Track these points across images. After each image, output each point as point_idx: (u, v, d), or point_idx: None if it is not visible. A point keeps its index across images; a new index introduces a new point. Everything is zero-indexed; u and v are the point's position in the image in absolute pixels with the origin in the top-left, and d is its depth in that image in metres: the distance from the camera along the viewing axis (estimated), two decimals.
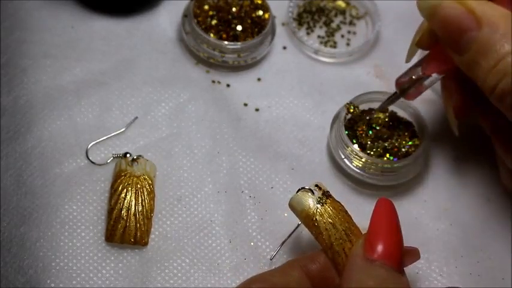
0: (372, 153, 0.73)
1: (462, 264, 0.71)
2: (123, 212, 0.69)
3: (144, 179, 0.71)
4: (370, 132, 0.74)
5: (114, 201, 0.70)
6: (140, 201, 0.70)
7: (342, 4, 0.85)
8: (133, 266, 0.68)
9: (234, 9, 0.80)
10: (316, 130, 0.77)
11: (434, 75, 0.69)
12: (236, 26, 0.79)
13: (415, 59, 0.71)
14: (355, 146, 0.73)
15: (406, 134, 0.75)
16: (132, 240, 0.69)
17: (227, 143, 0.76)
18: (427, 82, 0.69)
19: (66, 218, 0.70)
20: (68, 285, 0.66)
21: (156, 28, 0.82)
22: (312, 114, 0.78)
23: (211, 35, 0.79)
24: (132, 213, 0.69)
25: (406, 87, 0.70)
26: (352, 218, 0.64)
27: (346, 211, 0.64)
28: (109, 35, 0.81)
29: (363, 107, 0.76)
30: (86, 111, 0.76)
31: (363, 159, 0.72)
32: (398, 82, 0.71)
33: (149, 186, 0.71)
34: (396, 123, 0.75)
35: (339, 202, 0.64)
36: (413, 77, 0.69)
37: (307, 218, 0.63)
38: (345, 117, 0.74)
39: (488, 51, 0.60)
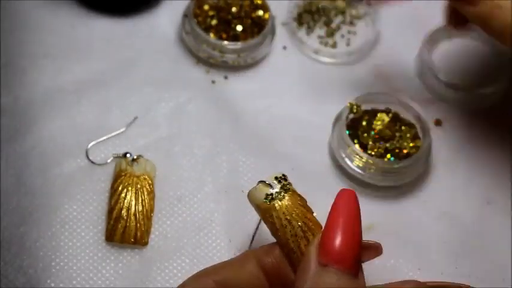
0: (373, 153, 0.73)
1: (462, 266, 0.71)
2: (123, 211, 0.69)
3: (144, 178, 0.71)
4: (372, 132, 0.74)
5: (114, 201, 0.70)
6: (140, 201, 0.70)
7: (341, 4, 0.85)
8: (133, 266, 0.68)
9: (234, 9, 0.80)
10: (316, 130, 0.77)
11: None
12: (236, 26, 0.79)
13: None
14: (356, 146, 0.73)
15: (408, 135, 0.74)
16: (132, 240, 0.69)
17: (227, 143, 0.76)
18: None
19: (66, 218, 0.70)
20: (68, 285, 0.66)
21: (156, 28, 0.82)
22: (312, 114, 0.78)
23: (211, 35, 0.79)
24: (132, 213, 0.69)
25: None
26: (313, 213, 0.61)
27: (305, 205, 0.61)
28: (109, 35, 0.81)
29: (365, 107, 0.76)
30: (86, 111, 0.76)
31: (364, 159, 0.72)
32: None
33: (149, 186, 0.71)
34: (398, 124, 0.75)
35: (298, 196, 0.61)
36: None
37: (263, 213, 0.61)
38: (347, 117, 0.74)
39: None
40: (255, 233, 0.68)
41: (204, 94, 0.78)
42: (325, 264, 0.54)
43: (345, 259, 0.55)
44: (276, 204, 0.60)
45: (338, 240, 0.55)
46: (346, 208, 0.57)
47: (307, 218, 0.60)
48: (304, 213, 0.60)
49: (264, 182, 0.61)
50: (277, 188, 0.61)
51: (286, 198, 0.60)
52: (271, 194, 0.60)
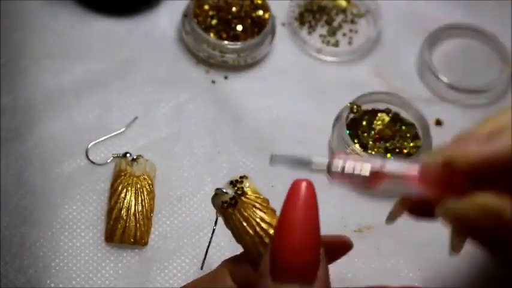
0: (373, 153, 0.73)
1: (462, 265, 0.71)
2: (122, 212, 0.69)
3: (144, 178, 0.71)
4: (372, 132, 0.74)
5: (114, 201, 0.70)
6: (140, 201, 0.70)
7: (342, 3, 0.85)
8: (133, 266, 0.68)
9: (234, 9, 0.80)
10: (316, 130, 0.77)
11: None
12: (236, 26, 0.79)
13: None
14: (356, 146, 0.73)
15: (408, 135, 0.74)
16: (132, 240, 0.69)
17: (227, 143, 0.76)
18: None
19: (66, 218, 0.70)
20: (67, 285, 0.66)
21: (156, 28, 0.82)
22: (313, 113, 0.78)
23: (211, 35, 0.79)
24: (131, 213, 0.69)
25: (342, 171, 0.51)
26: (274, 211, 0.56)
27: (265, 207, 0.56)
28: (109, 35, 0.81)
29: (366, 107, 0.76)
30: (86, 111, 0.76)
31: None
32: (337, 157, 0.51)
33: (149, 186, 0.71)
34: (398, 124, 0.75)
35: (257, 197, 0.56)
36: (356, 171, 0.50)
37: (224, 221, 0.57)
38: (347, 117, 0.74)
39: None
40: (207, 247, 0.63)
41: (204, 94, 0.78)
42: (277, 279, 0.50)
43: (294, 270, 0.49)
44: (231, 211, 0.56)
45: (285, 250, 0.50)
46: (295, 205, 0.50)
47: (264, 222, 0.55)
48: (261, 216, 0.55)
49: (220, 189, 0.56)
50: (230, 194, 0.56)
51: (240, 203, 0.56)
52: (226, 202, 0.56)
